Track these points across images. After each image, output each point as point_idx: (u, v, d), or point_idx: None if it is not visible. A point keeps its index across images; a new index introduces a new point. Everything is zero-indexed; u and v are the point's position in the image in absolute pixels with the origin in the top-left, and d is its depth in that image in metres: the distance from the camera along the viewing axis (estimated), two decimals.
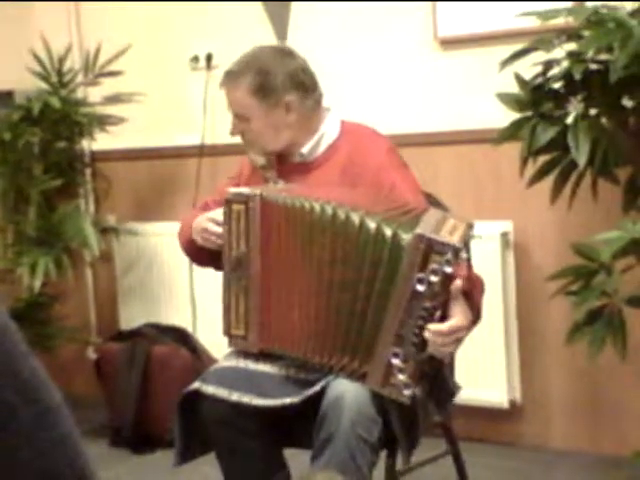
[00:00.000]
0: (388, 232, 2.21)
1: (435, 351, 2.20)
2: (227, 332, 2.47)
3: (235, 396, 2.38)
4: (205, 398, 2.42)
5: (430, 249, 2.13)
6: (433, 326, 2.16)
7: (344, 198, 2.33)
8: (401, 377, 2.21)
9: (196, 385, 2.45)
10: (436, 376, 2.48)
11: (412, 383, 2.21)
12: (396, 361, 2.20)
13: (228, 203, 2.41)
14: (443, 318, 2.19)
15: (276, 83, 2.52)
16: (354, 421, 2.23)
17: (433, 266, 2.13)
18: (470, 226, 2.31)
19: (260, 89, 2.52)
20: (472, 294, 2.27)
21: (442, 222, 2.25)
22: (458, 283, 2.17)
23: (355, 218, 2.25)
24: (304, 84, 2.56)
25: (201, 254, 2.61)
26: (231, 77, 2.55)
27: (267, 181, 2.61)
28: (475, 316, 2.30)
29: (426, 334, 2.16)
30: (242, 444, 2.44)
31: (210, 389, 2.41)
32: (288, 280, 2.36)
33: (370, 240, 2.23)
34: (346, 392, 2.25)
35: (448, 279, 2.15)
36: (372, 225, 2.23)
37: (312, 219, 2.30)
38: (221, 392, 2.39)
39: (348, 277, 2.27)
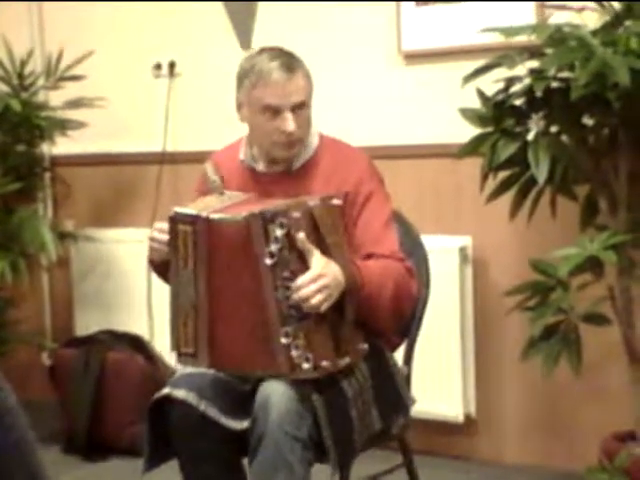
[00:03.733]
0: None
1: (308, 308, 2.25)
2: (176, 349, 2.46)
3: (203, 406, 2.40)
4: (175, 403, 2.43)
5: (264, 222, 2.23)
6: (293, 284, 2.24)
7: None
8: (295, 353, 2.25)
9: (167, 390, 2.45)
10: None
11: (310, 354, 2.25)
12: (286, 340, 2.25)
13: (173, 222, 2.40)
14: None
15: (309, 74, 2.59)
16: (281, 419, 2.25)
17: (272, 236, 2.22)
18: (332, 197, 2.37)
19: (310, 76, 2.59)
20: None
21: (289, 201, 2.33)
22: (300, 236, 2.24)
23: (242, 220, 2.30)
24: None
25: (164, 269, 2.57)
26: (291, 66, 2.52)
27: (213, 192, 2.61)
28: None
29: (293, 296, 2.24)
30: (209, 450, 2.45)
31: (181, 393, 2.42)
32: (233, 298, 2.36)
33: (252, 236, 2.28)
34: (272, 393, 2.29)
35: (290, 241, 2.23)
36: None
37: (230, 234, 2.33)
38: (191, 398, 2.41)
39: (245, 282, 2.31)
